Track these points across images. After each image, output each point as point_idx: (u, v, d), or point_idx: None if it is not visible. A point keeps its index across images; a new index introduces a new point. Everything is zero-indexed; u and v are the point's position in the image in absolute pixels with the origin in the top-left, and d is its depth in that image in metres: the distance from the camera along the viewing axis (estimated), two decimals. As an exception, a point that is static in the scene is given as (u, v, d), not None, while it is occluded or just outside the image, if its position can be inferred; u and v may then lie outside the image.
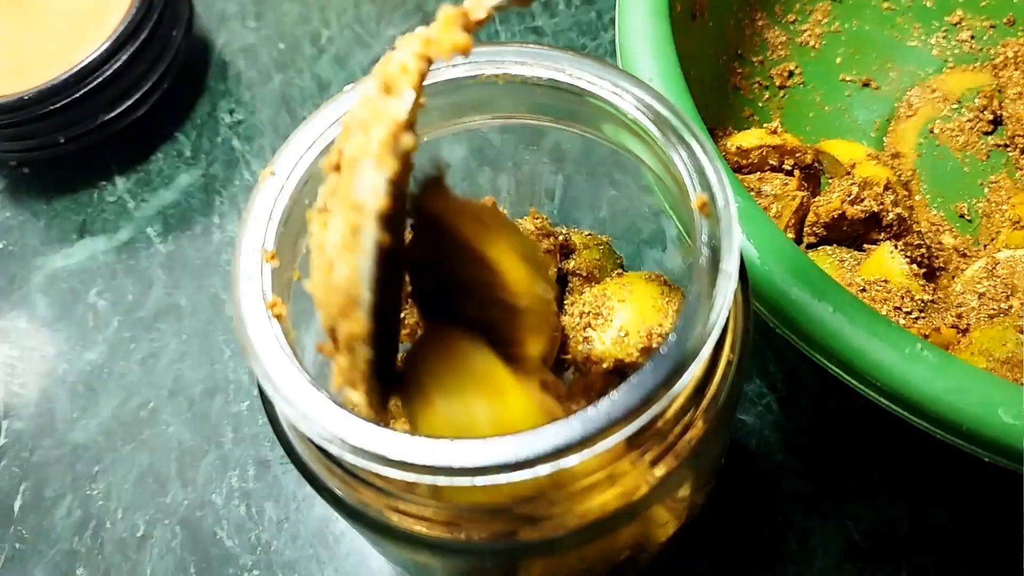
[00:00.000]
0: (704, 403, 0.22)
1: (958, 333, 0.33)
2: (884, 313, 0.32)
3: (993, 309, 0.35)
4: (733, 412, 0.24)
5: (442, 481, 0.19)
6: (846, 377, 0.28)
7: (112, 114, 0.46)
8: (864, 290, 0.34)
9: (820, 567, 0.34)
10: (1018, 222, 0.40)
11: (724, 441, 0.28)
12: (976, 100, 0.43)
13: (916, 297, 0.34)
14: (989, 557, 0.34)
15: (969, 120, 0.43)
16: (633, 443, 0.21)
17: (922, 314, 0.33)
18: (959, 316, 0.34)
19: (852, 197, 0.36)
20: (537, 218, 0.32)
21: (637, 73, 0.33)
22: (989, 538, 0.34)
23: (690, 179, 0.22)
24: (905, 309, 0.33)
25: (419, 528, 0.21)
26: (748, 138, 0.39)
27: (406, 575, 0.35)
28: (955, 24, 0.46)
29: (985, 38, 0.45)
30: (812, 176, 0.40)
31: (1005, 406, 0.25)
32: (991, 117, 0.43)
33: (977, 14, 0.46)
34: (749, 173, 0.39)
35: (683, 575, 0.34)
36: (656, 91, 0.24)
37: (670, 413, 0.21)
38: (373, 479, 0.21)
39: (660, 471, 0.21)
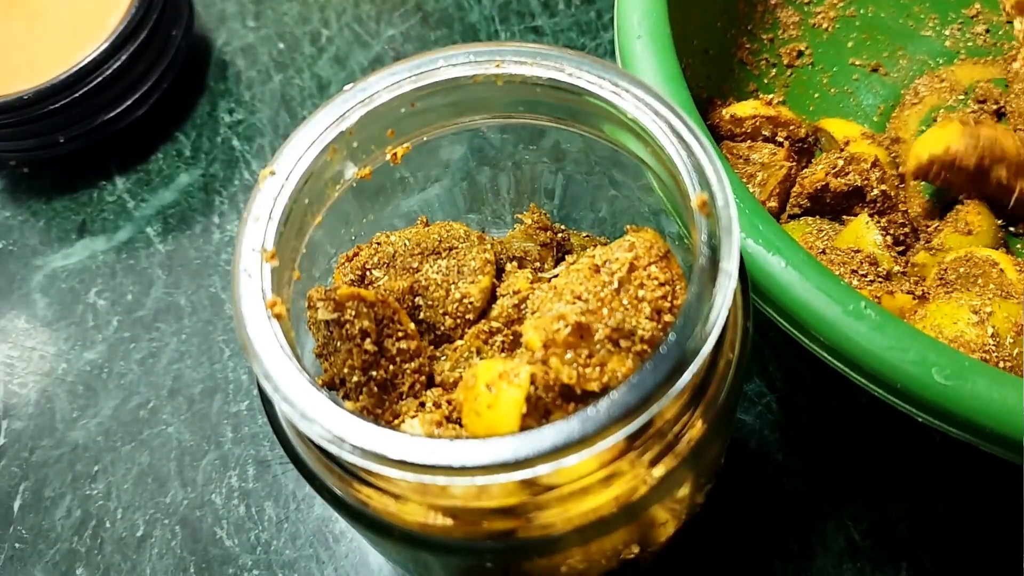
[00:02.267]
0: (704, 402, 0.22)
1: (914, 299, 0.34)
2: (839, 274, 0.33)
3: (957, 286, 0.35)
4: (733, 412, 0.24)
5: (442, 481, 0.19)
6: (793, 331, 0.28)
7: (111, 114, 0.46)
8: (824, 252, 0.34)
9: (820, 567, 0.34)
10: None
11: (724, 441, 0.28)
12: (978, 91, 0.43)
13: (881, 267, 0.34)
14: (989, 556, 0.34)
15: (973, 111, 0.43)
16: (633, 443, 0.21)
17: (879, 279, 0.34)
18: (916, 283, 0.34)
19: (836, 170, 0.37)
20: (535, 212, 0.32)
21: (627, 31, 0.33)
22: (989, 537, 0.34)
23: (690, 178, 0.22)
24: (861, 272, 0.33)
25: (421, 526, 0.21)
26: (743, 108, 0.39)
27: (406, 575, 0.35)
28: (972, 17, 0.46)
29: (1001, 32, 0.45)
30: (805, 151, 0.40)
31: (939, 367, 0.25)
32: (995, 108, 0.43)
33: (995, 9, 0.46)
34: (741, 142, 0.39)
35: (683, 575, 0.34)
36: (656, 91, 0.24)
37: (670, 413, 0.21)
38: (372, 479, 0.21)
39: (660, 471, 0.21)
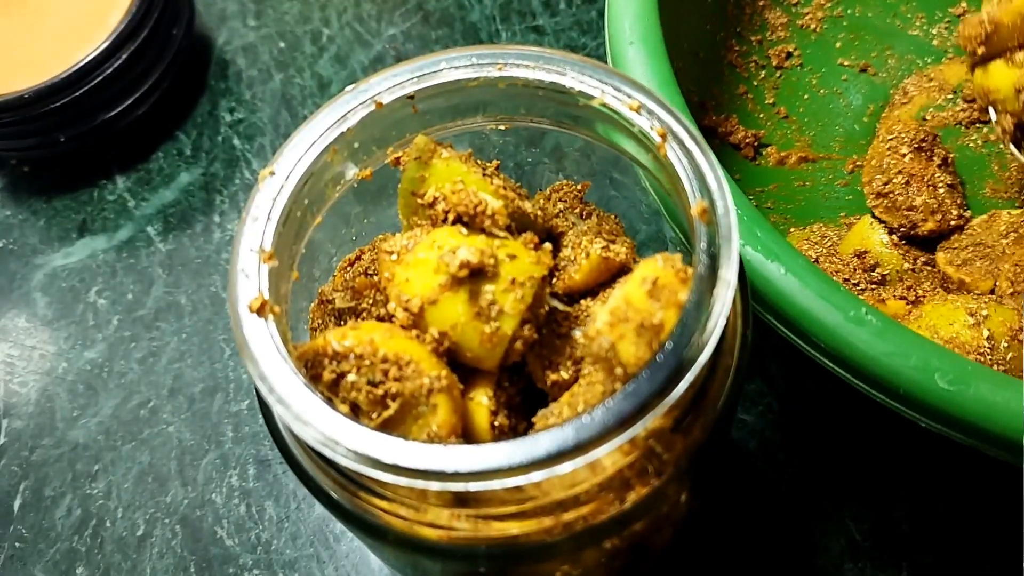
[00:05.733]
0: (702, 409, 0.22)
1: (907, 304, 0.34)
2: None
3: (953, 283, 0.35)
4: (732, 418, 0.24)
5: (435, 486, 0.19)
6: (794, 338, 0.28)
7: (112, 113, 0.46)
8: (817, 261, 0.34)
9: (820, 567, 0.34)
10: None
11: (723, 446, 0.28)
12: (966, 89, 0.43)
13: (887, 267, 0.33)
14: (989, 556, 0.34)
15: (963, 109, 0.43)
16: (630, 449, 0.20)
17: (872, 287, 0.34)
18: (908, 288, 0.34)
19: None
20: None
21: (619, 36, 0.33)
22: (989, 537, 0.34)
23: (690, 185, 0.22)
24: (853, 281, 0.33)
25: (415, 531, 0.21)
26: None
27: None
28: (959, 15, 0.46)
29: None
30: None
31: (942, 372, 0.25)
32: (984, 106, 0.43)
33: (982, 7, 0.46)
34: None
35: (683, 575, 0.34)
36: (659, 96, 0.24)
37: (667, 421, 0.21)
38: (368, 482, 0.21)
39: (656, 478, 0.21)
